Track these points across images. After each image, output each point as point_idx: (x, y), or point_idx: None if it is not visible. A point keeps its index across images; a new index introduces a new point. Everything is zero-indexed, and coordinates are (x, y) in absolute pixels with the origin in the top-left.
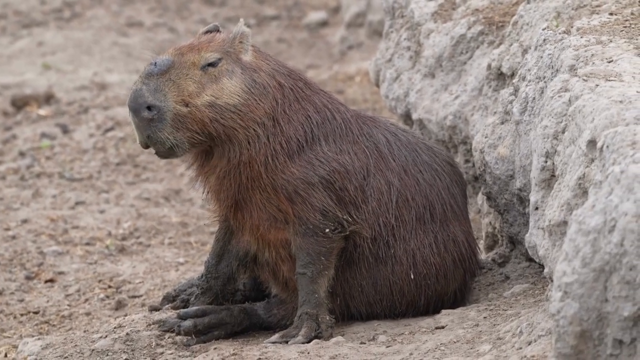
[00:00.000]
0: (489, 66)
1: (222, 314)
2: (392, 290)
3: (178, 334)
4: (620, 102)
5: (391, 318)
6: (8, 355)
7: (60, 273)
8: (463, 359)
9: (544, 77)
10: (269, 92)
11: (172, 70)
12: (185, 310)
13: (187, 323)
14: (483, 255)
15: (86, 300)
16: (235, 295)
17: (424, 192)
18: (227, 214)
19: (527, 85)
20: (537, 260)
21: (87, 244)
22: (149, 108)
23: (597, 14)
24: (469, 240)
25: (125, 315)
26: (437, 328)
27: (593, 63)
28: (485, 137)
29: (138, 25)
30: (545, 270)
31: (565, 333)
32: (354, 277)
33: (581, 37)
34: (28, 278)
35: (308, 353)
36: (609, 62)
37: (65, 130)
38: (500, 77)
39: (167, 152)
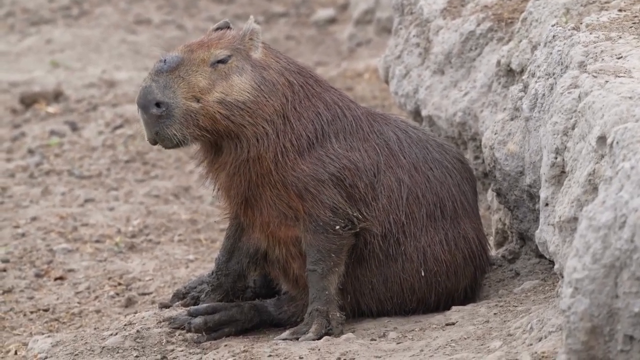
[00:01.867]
0: (499, 63)
1: (233, 311)
2: (402, 288)
3: (188, 331)
4: (630, 98)
5: (401, 315)
6: (18, 353)
7: (70, 270)
8: (473, 355)
9: (554, 74)
10: (279, 90)
11: (181, 67)
12: (196, 307)
13: (198, 320)
14: (493, 252)
15: (96, 297)
16: (245, 292)
17: (435, 189)
18: (238, 211)
19: (536, 82)
20: (547, 257)
21: (97, 241)
22: (157, 105)
23: (606, 10)
24: (479, 237)
25: (136, 313)
26: (447, 324)
27: (602, 59)
28: (495, 134)
29: (146, 23)
30: (556, 266)
31: (576, 329)
32: (364, 274)
33: (590, 34)
34: (38, 276)
35: (319, 350)
36: (619, 58)
37: (74, 127)
38: (510, 73)
39: (173, 145)
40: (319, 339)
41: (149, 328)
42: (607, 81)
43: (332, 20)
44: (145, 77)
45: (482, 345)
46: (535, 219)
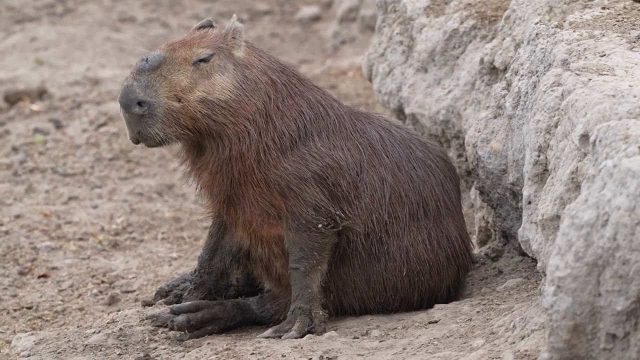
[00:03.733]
0: (482, 60)
1: (215, 309)
2: (385, 287)
3: (171, 329)
4: (613, 96)
5: (384, 313)
6: (2, 351)
7: (54, 268)
8: (456, 353)
9: (537, 72)
10: (261, 88)
11: (163, 66)
12: (179, 305)
13: (180, 318)
14: (476, 250)
15: (79, 295)
16: (228, 291)
17: (418, 188)
18: (220, 209)
19: (519, 80)
20: (530, 255)
21: (80, 239)
22: (139, 104)
23: (590, 8)
24: (462, 237)
25: (119, 311)
26: (430, 323)
27: (585, 57)
28: (478, 132)
29: (131, 21)
30: (538, 264)
31: (559, 327)
32: (347, 273)
33: (574, 32)
34: (21, 273)
35: (301, 348)
36: (602, 56)
37: (58, 125)
38: (493, 71)
39: (156, 143)
40: (302, 337)
41: (131, 326)
42: (590, 79)
43: (316, 18)
44: (127, 76)
45: (464, 343)
46: (518, 217)
